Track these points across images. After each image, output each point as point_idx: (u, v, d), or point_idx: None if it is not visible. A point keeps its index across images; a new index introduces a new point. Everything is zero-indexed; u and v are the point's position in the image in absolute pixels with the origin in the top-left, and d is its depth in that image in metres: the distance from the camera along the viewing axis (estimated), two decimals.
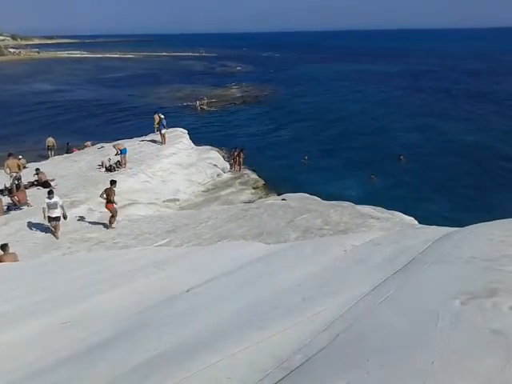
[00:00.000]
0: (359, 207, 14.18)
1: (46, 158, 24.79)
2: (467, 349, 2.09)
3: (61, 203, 12.92)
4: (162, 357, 2.66)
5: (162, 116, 23.06)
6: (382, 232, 7.24)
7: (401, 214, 13.72)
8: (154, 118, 24.71)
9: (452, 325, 2.31)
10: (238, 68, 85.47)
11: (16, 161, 17.13)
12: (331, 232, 11.37)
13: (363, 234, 6.45)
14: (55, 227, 13.09)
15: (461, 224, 4.96)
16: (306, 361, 2.30)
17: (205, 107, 44.38)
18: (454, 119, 37.79)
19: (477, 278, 2.87)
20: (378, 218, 12.72)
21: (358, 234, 7.55)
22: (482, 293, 2.59)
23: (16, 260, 9.74)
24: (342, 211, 13.39)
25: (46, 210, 12.73)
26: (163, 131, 22.97)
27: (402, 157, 26.66)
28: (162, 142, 23.18)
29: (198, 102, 44.44)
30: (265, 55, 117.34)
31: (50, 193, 13.02)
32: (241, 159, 23.28)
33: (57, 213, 12.80)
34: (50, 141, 25.77)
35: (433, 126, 35.43)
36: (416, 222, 13.02)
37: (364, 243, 4.90)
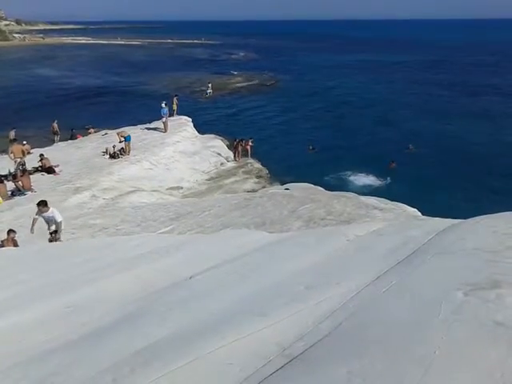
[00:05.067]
0: (363, 198, 14.15)
1: (53, 141, 25.06)
2: (469, 340, 2.10)
3: (59, 220, 9.74)
4: (164, 342, 2.67)
5: (163, 104, 22.98)
6: (386, 223, 7.23)
7: (404, 205, 13.69)
8: (172, 101, 25.98)
9: (454, 316, 2.31)
10: (243, 56, 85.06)
11: (20, 146, 17.13)
12: (334, 222, 11.35)
13: (366, 225, 6.44)
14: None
15: (465, 216, 4.94)
16: (308, 348, 2.31)
17: (209, 95, 44.22)
18: (463, 112, 37.47)
19: (480, 269, 2.87)
20: (381, 209, 12.69)
21: (361, 225, 7.53)
22: (485, 284, 2.59)
23: (16, 245, 9.74)
24: (345, 202, 13.36)
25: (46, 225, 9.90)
26: (164, 119, 22.92)
27: (410, 146, 26.52)
28: (164, 130, 23.15)
29: (206, 90, 44.36)
30: (269, 44, 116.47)
31: (41, 204, 9.71)
32: (244, 148, 23.24)
33: (52, 229, 9.92)
34: (55, 126, 26.00)
35: (442, 117, 35.18)
36: (419, 214, 12.99)
37: (367, 233, 4.88)
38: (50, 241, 9.80)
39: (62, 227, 9.88)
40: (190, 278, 4.04)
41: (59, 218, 9.74)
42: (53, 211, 9.75)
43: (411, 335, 2.23)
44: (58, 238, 9.82)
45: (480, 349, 2.01)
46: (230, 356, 2.37)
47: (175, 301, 3.50)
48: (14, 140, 17.67)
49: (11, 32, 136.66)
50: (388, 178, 21.91)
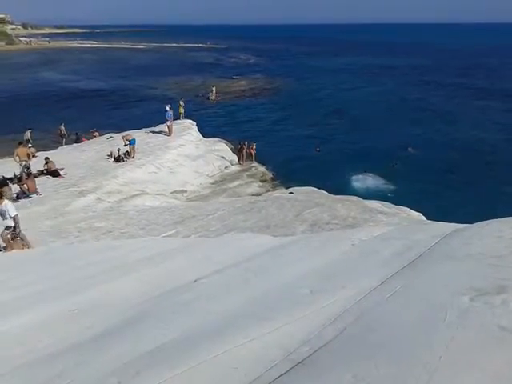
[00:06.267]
0: (367, 202, 14.12)
1: (59, 144, 25.27)
2: (475, 344, 2.09)
3: (13, 214, 9.23)
4: (169, 345, 2.67)
5: (168, 108, 23.01)
6: (390, 227, 7.21)
7: (408, 209, 13.66)
8: (179, 105, 26.72)
9: (460, 321, 2.30)
10: (247, 60, 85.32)
11: (26, 149, 17.19)
12: (339, 226, 11.32)
13: (371, 229, 6.44)
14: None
15: (470, 220, 4.92)
16: (314, 353, 2.31)
17: (214, 98, 44.34)
18: (466, 114, 37.40)
19: (486, 274, 2.86)
20: (385, 213, 12.65)
21: (365, 229, 7.53)
22: (491, 289, 2.58)
23: (24, 248, 9.80)
24: (349, 206, 13.33)
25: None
26: (168, 123, 22.95)
27: (409, 148, 26.57)
28: (169, 133, 23.18)
29: (210, 94, 44.55)
30: (271, 47, 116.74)
31: None
32: (248, 152, 23.27)
33: (6, 223, 9.33)
34: (63, 129, 26.22)
35: (443, 120, 35.12)
36: (424, 218, 12.95)
37: (372, 238, 4.88)
38: (12, 238, 9.36)
39: (19, 222, 9.44)
40: (195, 281, 4.05)
41: (13, 212, 9.27)
42: (6, 204, 9.28)
43: (416, 340, 2.22)
44: (19, 233, 9.45)
45: (485, 353, 2.00)
46: (234, 360, 2.37)
47: (180, 304, 3.50)
48: (20, 143, 17.74)
49: (17, 36, 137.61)
50: (391, 181, 21.86)
